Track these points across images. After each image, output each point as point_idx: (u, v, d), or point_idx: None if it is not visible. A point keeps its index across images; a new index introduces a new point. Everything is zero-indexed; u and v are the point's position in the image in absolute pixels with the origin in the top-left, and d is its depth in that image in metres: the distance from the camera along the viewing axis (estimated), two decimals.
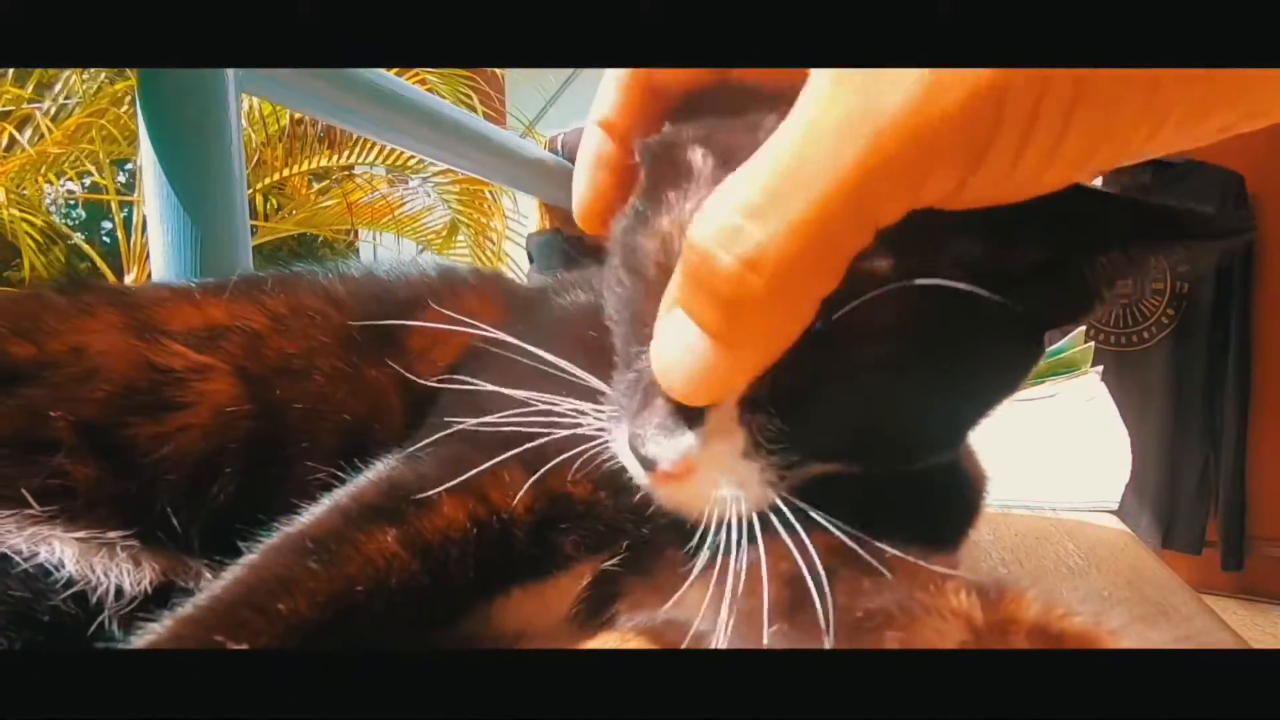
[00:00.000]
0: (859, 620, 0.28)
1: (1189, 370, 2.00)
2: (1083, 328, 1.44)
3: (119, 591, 0.36)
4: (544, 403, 0.34)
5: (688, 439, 0.30)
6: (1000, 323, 0.28)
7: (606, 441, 0.33)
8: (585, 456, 0.34)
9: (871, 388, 0.29)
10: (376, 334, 0.45)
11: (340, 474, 0.39)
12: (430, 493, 0.35)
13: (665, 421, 0.30)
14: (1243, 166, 1.93)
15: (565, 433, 0.34)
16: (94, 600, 0.36)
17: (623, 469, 0.33)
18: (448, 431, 0.37)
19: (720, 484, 0.31)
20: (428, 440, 0.38)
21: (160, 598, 0.37)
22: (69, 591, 0.35)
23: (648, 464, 0.31)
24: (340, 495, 0.36)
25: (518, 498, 0.35)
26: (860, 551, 0.30)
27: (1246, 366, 1.97)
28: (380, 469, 0.38)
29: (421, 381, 0.42)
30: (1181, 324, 2.00)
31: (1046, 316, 0.31)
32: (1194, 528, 2.03)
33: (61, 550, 0.36)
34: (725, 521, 0.31)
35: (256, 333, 0.45)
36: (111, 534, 0.37)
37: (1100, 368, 0.72)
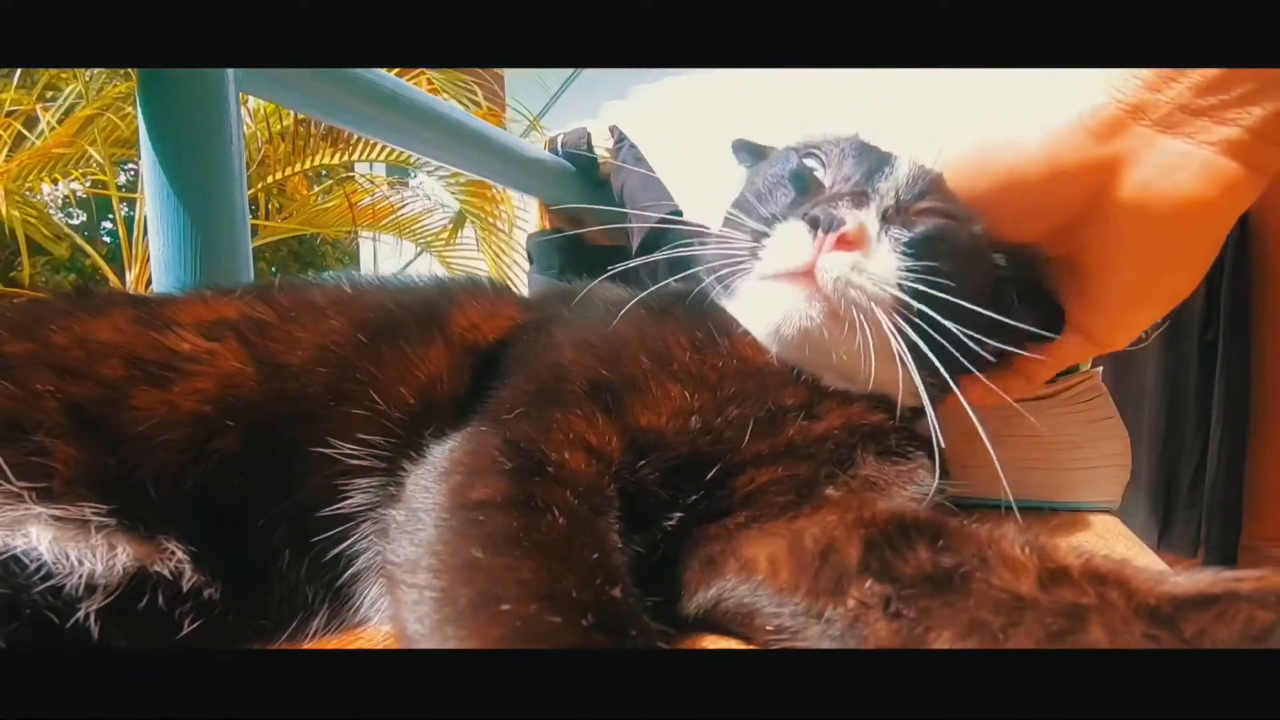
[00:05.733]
0: (948, 570, 0.33)
1: (1182, 370, 2.00)
2: None
3: (91, 582, 0.35)
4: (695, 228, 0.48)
5: (865, 213, 0.44)
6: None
7: (740, 264, 0.46)
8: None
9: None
10: (416, 318, 0.47)
11: (356, 454, 0.40)
12: (550, 455, 0.36)
13: (850, 202, 0.44)
14: None
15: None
16: (68, 592, 0.35)
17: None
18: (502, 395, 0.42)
19: (873, 271, 0.42)
20: (507, 399, 0.41)
21: (135, 592, 0.36)
22: (47, 584, 0.35)
23: (834, 223, 0.42)
24: (451, 484, 0.35)
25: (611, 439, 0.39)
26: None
27: (1239, 366, 1.96)
28: (468, 446, 0.37)
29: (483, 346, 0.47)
30: (1175, 324, 2.00)
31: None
32: (1189, 528, 2.03)
33: (38, 535, 0.35)
34: (860, 317, 0.42)
35: (266, 321, 0.45)
36: (88, 510, 0.36)
37: (1100, 368, 0.72)
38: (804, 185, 0.50)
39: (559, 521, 0.32)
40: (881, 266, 0.43)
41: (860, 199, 0.45)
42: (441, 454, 0.37)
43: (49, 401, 0.39)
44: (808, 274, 0.43)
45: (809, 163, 0.51)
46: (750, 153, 0.63)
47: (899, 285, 0.43)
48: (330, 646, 0.40)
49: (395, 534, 0.34)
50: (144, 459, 0.39)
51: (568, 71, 2.92)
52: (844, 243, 0.42)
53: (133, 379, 0.41)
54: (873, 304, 0.42)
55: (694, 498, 0.40)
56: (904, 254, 0.44)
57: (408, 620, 0.30)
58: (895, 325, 0.42)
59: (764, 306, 0.45)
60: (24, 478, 0.36)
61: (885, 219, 0.46)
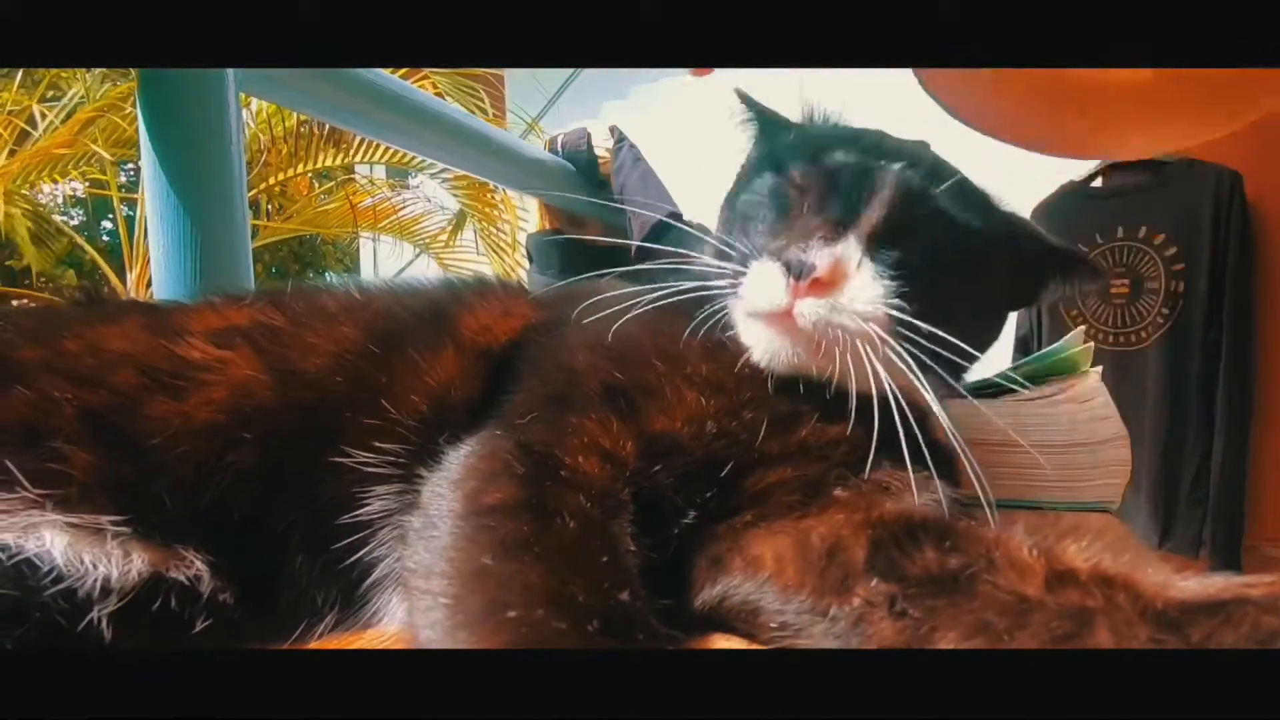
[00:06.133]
0: (954, 572, 0.33)
1: (1184, 370, 1.99)
2: (1082, 328, 1.44)
3: (106, 585, 0.35)
4: (670, 266, 0.44)
5: (841, 247, 0.41)
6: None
7: (727, 294, 0.44)
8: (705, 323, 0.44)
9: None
10: (426, 324, 0.47)
11: (372, 462, 0.40)
12: (564, 459, 0.37)
13: (823, 236, 0.41)
14: (1241, 165, 1.92)
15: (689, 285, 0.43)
16: (81, 595, 0.35)
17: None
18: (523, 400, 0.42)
19: (851, 307, 0.40)
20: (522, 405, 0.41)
21: (149, 595, 0.37)
22: (58, 587, 0.35)
23: (805, 270, 0.40)
24: (468, 490, 0.35)
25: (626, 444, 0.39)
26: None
27: (1240, 366, 1.96)
28: (484, 451, 0.38)
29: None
30: (1176, 324, 2.00)
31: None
32: (1190, 529, 2.02)
33: (52, 540, 0.35)
34: (848, 360, 0.40)
35: (277, 327, 0.45)
36: (104, 519, 0.36)
37: (1100, 368, 0.72)
38: (784, 204, 0.47)
39: (570, 525, 0.33)
40: (862, 300, 0.41)
41: (836, 229, 0.42)
42: (456, 459, 0.38)
43: (66, 408, 0.39)
44: (787, 315, 0.41)
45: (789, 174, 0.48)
46: (755, 110, 0.58)
47: (885, 315, 0.41)
48: (332, 646, 0.40)
49: (413, 540, 0.35)
50: (160, 471, 0.39)
51: (566, 73, 2.92)
52: (818, 286, 0.40)
53: (146, 388, 0.41)
54: (856, 340, 0.41)
55: (708, 495, 0.40)
56: (889, 279, 0.42)
57: (421, 626, 0.31)
58: (880, 355, 0.40)
59: (751, 341, 0.44)
60: (42, 485, 0.36)
61: (869, 240, 0.43)
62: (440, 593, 0.31)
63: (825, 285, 0.41)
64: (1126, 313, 2.01)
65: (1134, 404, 1.92)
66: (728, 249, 0.45)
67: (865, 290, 0.42)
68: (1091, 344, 0.73)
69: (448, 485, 0.36)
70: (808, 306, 0.41)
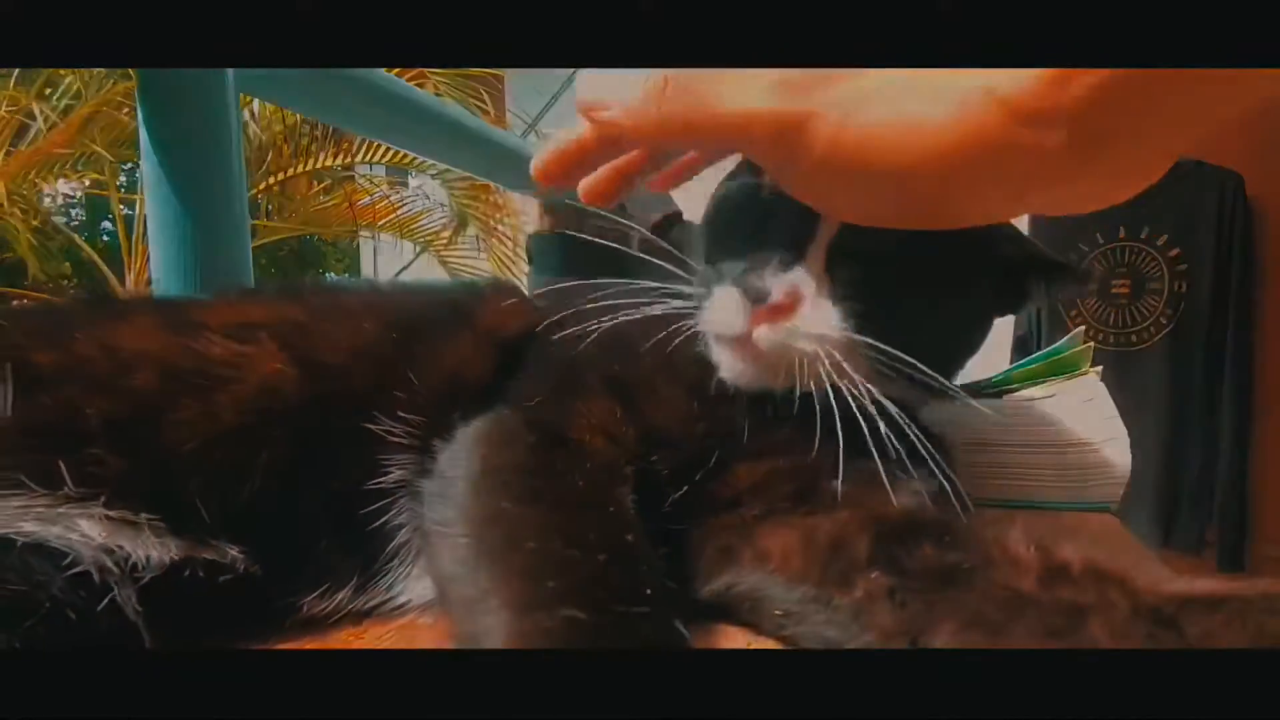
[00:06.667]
0: (951, 567, 0.34)
1: (1187, 370, 1.99)
2: (1082, 328, 1.44)
3: (145, 564, 0.37)
4: (639, 286, 0.44)
5: (798, 271, 0.42)
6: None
7: (692, 317, 0.44)
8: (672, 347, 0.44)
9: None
10: (445, 313, 0.50)
11: (394, 429, 0.42)
12: (571, 435, 0.40)
13: (781, 260, 0.42)
14: (1242, 166, 1.92)
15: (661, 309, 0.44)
16: (115, 567, 0.36)
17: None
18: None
19: (808, 331, 0.41)
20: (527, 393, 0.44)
21: (179, 568, 0.37)
22: (70, 572, 0.35)
23: (761, 296, 0.41)
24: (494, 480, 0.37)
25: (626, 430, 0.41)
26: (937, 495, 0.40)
27: (1245, 366, 1.95)
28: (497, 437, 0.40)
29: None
30: (1179, 324, 1.99)
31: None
32: (1193, 528, 2.02)
33: (89, 528, 0.36)
34: (810, 386, 0.41)
35: (298, 322, 0.46)
36: (142, 516, 0.38)
37: (1100, 368, 0.72)
38: (745, 227, 0.46)
39: (579, 483, 0.36)
40: (819, 323, 0.41)
41: (793, 253, 0.42)
42: (468, 432, 0.40)
43: (92, 420, 0.39)
44: (747, 339, 0.42)
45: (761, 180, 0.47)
46: None
47: (844, 337, 0.41)
48: (332, 642, 0.40)
49: (430, 500, 0.38)
50: (193, 478, 0.39)
51: (566, 75, 2.92)
52: (775, 311, 0.41)
53: (168, 392, 0.40)
54: (816, 361, 0.41)
55: (698, 476, 0.42)
56: (847, 300, 0.42)
57: (445, 563, 0.34)
58: (840, 374, 0.40)
59: (717, 360, 0.44)
60: (82, 484, 0.37)
61: (826, 261, 0.42)
62: (462, 534, 0.34)
63: (782, 311, 0.41)
64: (1128, 313, 2.01)
65: (1136, 404, 1.92)
66: (690, 270, 0.46)
67: (822, 313, 0.42)
68: (1091, 344, 0.73)
69: (463, 453, 0.39)
70: (765, 332, 0.41)
